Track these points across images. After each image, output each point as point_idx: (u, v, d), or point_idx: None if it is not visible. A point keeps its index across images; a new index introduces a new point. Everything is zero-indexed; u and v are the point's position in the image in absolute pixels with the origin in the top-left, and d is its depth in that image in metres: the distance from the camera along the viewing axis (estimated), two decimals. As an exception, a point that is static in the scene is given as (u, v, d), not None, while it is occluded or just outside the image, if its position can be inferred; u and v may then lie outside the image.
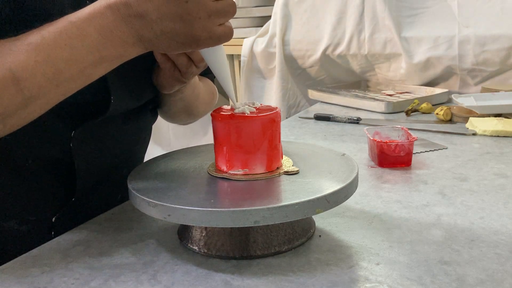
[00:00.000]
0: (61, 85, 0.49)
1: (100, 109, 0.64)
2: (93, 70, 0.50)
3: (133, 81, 0.68)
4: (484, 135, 1.00)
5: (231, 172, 0.57)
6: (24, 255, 0.57)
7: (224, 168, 0.57)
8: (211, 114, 0.58)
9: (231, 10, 0.51)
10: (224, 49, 0.58)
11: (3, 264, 0.54)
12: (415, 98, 1.28)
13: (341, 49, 1.51)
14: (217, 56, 0.57)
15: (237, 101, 0.59)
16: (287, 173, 0.57)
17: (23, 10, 0.53)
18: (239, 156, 0.56)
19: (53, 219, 0.65)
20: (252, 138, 0.56)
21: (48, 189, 0.65)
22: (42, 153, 0.63)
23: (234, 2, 0.52)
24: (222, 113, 0.57)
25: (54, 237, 0.62)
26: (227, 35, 0.51)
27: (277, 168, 0.58)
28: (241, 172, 0.56)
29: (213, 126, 0.58)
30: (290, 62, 1.62)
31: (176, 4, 0.47)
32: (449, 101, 1.34)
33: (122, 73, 0.59)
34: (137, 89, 0.69)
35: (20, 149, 0.61)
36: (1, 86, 0.46)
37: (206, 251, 0.54)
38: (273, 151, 0.57)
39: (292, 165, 0.59)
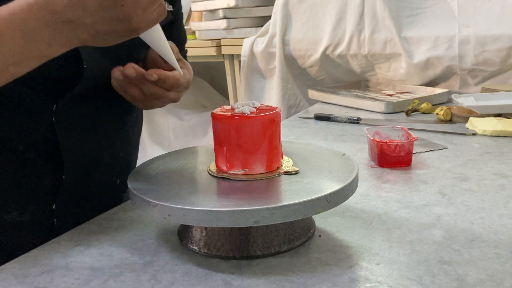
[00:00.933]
0: None
1: (79, 82, 0.63)
2: (17, 69, 0.49)
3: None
4: (484, 135, 1.00)
5: (231, 172, 0.57)
6: (24, 255, 0.57)
7: (224, 168, 0.57)
8: (211, 114, 0.58)
9: None
10: (160, 29, 0.60)
11: (6, 258, 0.54)
12: (415, 98, 1.28)
13: (341, 49, 1.51)
14: (153, 34, 0.59)
15: (237, 101, 0.59)
16: (287, 173, 0.57)
17: None
18: (239, 156, 0.56)
19: (54, 206, 0.65)
20: (252, 138, 0.56)
21: (44, 175, 0.64)
22: (30, 134, 0.62)
23: None
24: (222, 113, 0.57)
25: (56, 225, 0.63)
26: (161, 15, 0.51)
27: (277, 168, 0.58)
28: (241, 172, 0.56)
29: (213, 126, 0.58)
30: (290, 62, 1.62)
31: (112, 9, 0.47)
32: (449, 101, 1.34)
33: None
34: (112, 53, 0.64)
35: (9, 134, 0.61)
36: None
37: (206, 251, 0.54)
38: (273, 151, 0.57)
39: (292, 165, 0.59)
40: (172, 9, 0.79)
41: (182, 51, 0.89)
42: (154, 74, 0.62)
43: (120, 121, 0.75)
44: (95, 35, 0.49)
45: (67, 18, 0.47)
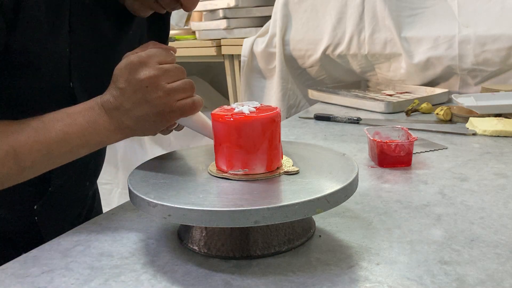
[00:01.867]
0: (52, 160, 0.60)
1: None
2: (79, 150, 0.61)
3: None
4: (484, 135, 1.00)
5: (231, 172, 0.57)
6: (24, 255, 0.57)
7: (224, 168, 0.57)
8: (211, 114, 0.58)
9: (188, 87, 0.59)
10: (199, 114, 0.63)
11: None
12: (415, 98, 1.28)
13: (341, 49, 1.51)
14: (189, 121, 0.63)
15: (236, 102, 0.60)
16: (287, 173, 0.57)
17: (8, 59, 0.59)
18: (239, 156, 0.56)
19: (35, 207, 0.73)
20: (252, 138, 0.56)
21: (30, 182, 0.66)
22: None
23: (189, 81, 0.60)
24: (222, 113, 0.57)
25: (38, 222, 0.73)
26: (190, 107, 0.59)
27: (277, 168, 0.58)
28: (241, 172, 0.56)
29: (213, 126, 0.58)
30: (290, 62, 1.62)
31: (140, 92, 0.57)
32: (449, 101, 1.34)
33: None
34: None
35: None
36: (3, 160, 0.56)
37: (206, 251, 0.54)
38: (273, 151, 0.57)
39: (292, 165, 0.59)
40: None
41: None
42: None
43: None
44: (136, 122, 0.59)
45: (115, 105, 0.59)
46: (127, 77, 0.58)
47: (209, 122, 0.64)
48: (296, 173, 0.57)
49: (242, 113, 0.56)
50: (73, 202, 0.82)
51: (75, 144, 0.59)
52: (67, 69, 0.66)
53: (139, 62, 0.57)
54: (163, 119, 0.59)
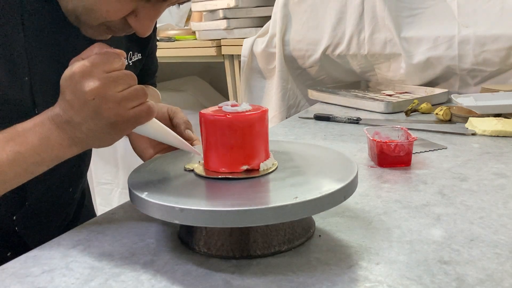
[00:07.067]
0: (8, 182, 0.57)
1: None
2: (36, 168, 0.58)
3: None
4: (484, 135, 1.00)
5: (225, 172, 0.57)
6: (24, 255, 0.57)
7: (218, 168, 0.58)
8: (200, 113, 0.58)
9: (140, 93, 0.55)
10: (156, 121, 0.61)
11: None
12: (415, 98, 1.28)
13: (341, 49, 1.51)
14: (149, 129, 0.60)
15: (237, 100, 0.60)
16: (267, 173, 0.57)
17: None
18: (226, 156, 0.56)
19: (14, 218, 0.71)
20: (235, 137, 0.56)
21: (6, 195, 0.66)
22: None
23: (141, 86, 0.56)
24: (206, 113, 0.57)
25: (19, 231, 0.72)
26: (146, 113, 0.56)
27: (269, 167, 0.58)
28: (236, 171, 0.56)
29: (200, 126, 0.58)
30: (290, 62, 1.62)
31: (88, 105, 0.53)
32: (449, 101, 1.34)
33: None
34: None
35: None
36: None
37: (206, 250, 0.55)
38: (260, 150, 0.57)
39: (273, 163, 0.59)
40: (140, 57, 0.84)
41: (152, 80, 0.94)
42: None
43: None
44: (89, 135, 0.56)
45: (65, 119, 0.55)
46: (72, 89, 0.54)
47: (169, 129, 0.62)
48: (275, 170, 0.57)
49: (236, 111, 0.57)
50: (56, 208, 0.80)
51: (30, 162, 0.56)
52: (30, 98, 0.64)
53: (82, 72, 0.53)
54: (118, 130, 0.56)
